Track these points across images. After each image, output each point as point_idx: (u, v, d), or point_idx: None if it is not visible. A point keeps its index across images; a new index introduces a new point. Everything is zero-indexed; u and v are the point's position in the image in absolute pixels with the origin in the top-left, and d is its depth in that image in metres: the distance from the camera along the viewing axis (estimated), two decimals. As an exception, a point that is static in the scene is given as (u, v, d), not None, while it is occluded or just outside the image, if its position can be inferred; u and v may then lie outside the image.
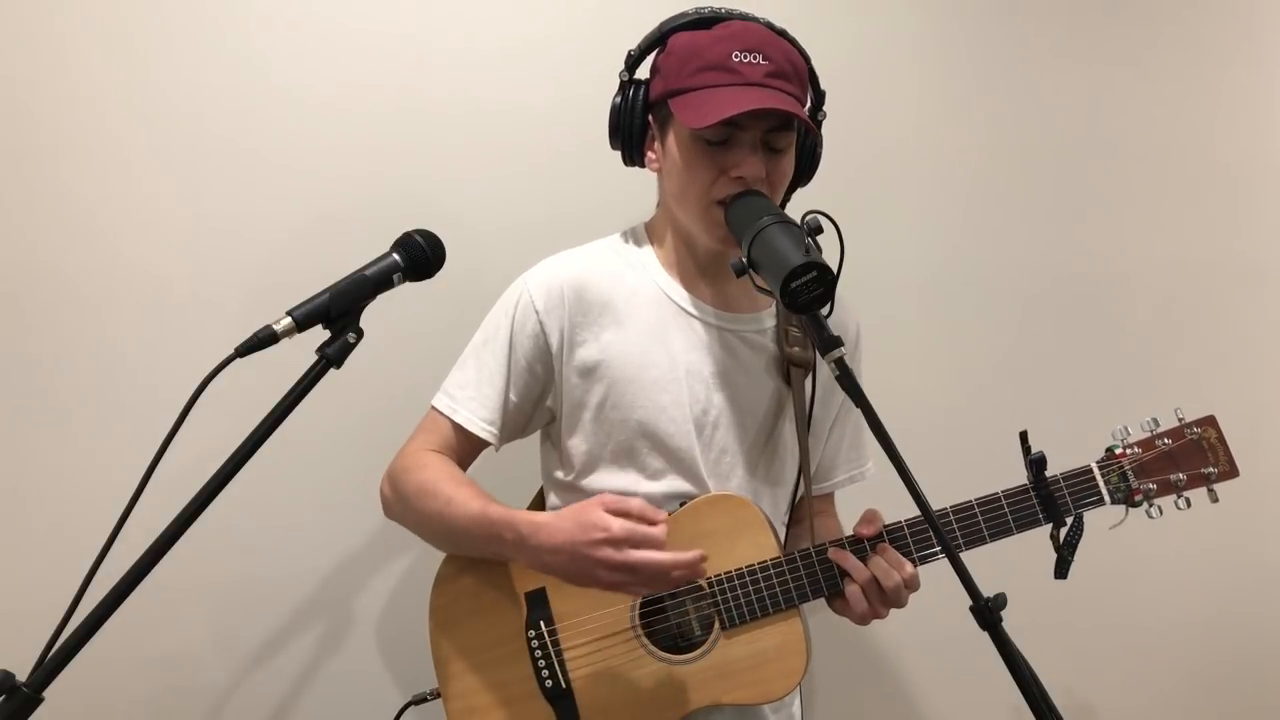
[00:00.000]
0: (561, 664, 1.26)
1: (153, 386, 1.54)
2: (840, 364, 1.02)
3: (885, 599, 1.22)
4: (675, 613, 1.27)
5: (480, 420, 1.30)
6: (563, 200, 1.71)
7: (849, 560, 1.23)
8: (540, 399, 1.33)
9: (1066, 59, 1.99)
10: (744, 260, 1.12)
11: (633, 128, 1.29)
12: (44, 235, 1.55)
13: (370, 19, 1.66)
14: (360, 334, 1.04)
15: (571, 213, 1.68)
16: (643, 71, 1.32)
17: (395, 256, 1.07)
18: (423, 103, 1.68)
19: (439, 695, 1.32)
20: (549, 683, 1.26)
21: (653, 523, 1.16)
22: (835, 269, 1.07)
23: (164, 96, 1.59)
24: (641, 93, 1.29)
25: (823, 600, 1.29)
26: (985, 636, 0.97)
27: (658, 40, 1.28)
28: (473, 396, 1.30)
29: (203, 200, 1.61)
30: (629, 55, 1.31)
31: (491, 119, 1.71)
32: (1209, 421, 1.29)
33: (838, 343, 1.03)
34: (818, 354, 1.31)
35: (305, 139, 1.64)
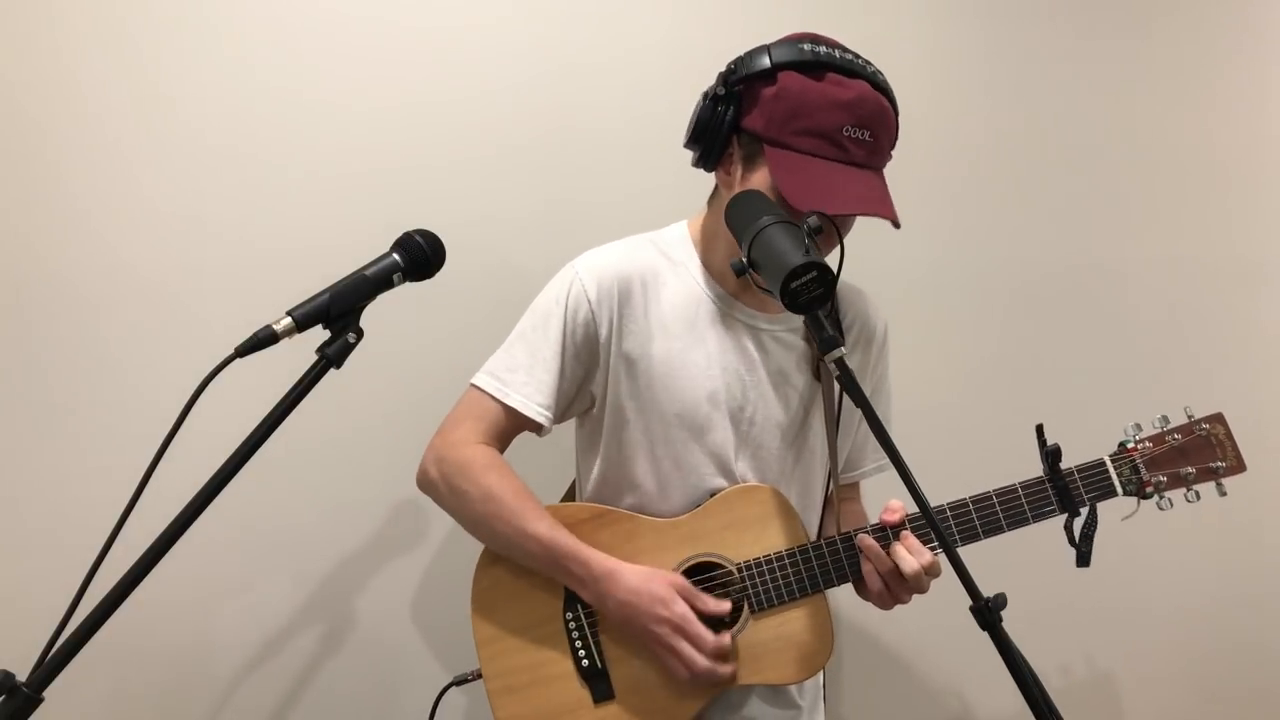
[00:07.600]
0: (597, 645, 1.31)
1: (153, 386, 1.54)
2: (840, 364, 1.04)
3: (906, 585, 1.26)
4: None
5: (536, 404, 1.32)
6: (564, 199, 1.71)
7: (872, 547, 1.28)
8: (584, 384, 1.36)
9: (1067, 57, 1.99)
10: (744, 260, 1.12)
11: (716, 143, 1.29)
12: (44, 236, 1.55)
13: (370, 19, 1.66)
14: (360, 334, 1.04)
15: (573, 212, 1.68)
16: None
17: (395, 256, 1.07)
18: (424, 102, 1.68)
19: (479, 676, 1.34)
20: (585, 663, 1.30)
21: (717, 616, 1.26)
22: (835, 269, 1.07)
23: (162, 97, 1.59)
24: (733, 112, 1.27)
25: (849, 587, 1.33)
26: (985, 636, 0.97)
27: (768, 73, 1.24)
28: (525, 381, 1.32)
29: (202, 200, 1.61)
30: (730, 70, 1.28)
31: (494, 118, 1.71)
32: (1217, 419, 1.35)
33: (837, 343, 1.04)
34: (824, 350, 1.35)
35: (304, 139, 1.64)
